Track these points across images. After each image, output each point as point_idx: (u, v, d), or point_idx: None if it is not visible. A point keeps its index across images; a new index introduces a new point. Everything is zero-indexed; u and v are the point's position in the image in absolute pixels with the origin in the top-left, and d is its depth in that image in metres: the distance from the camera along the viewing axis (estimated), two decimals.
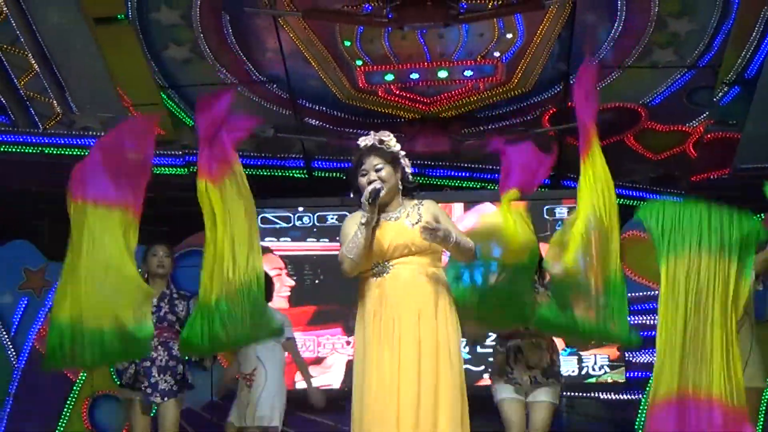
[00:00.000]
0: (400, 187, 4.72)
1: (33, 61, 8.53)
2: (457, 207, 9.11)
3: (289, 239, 9.37)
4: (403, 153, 4.78)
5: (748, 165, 9.13)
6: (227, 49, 8.86)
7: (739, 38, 8.46)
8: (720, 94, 8.91)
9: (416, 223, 4.60)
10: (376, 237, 4.58)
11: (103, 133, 8.94)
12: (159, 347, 6.31)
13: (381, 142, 4.72)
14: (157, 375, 6.30)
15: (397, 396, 4.42)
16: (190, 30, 8.65)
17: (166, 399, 6.33)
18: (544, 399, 5.97)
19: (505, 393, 5.95)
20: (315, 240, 9.28)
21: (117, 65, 8.57)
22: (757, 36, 8.43)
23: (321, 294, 9.18)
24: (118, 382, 6.57)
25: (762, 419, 8.13)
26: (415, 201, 4.73)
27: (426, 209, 4.67)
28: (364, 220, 4.52)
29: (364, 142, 4.76)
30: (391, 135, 4.76)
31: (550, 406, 5.97)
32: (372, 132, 4.78)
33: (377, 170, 4.64)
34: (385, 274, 4.58)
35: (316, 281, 9.29)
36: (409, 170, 4.80)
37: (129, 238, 5.15)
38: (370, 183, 4.62)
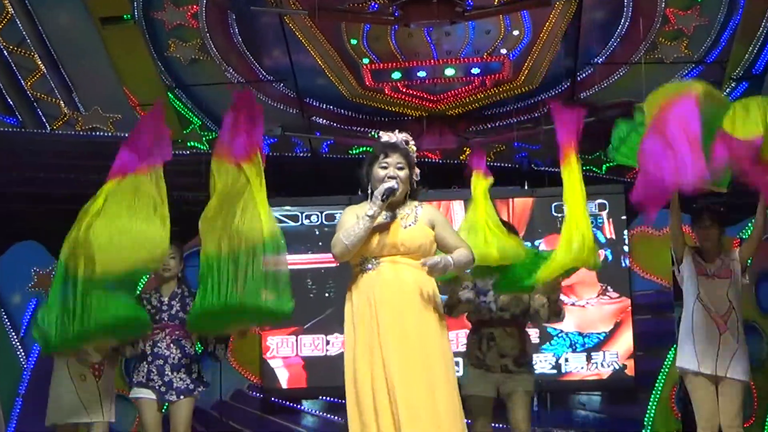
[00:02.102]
0: (408, 191, 4.72)
1: (40, 62, 8.60)
2: (457, 204, 9.00)
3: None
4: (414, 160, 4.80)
5: None
6: (234, 48, 8.92)
7: (746, 34, 8.48)
8: (728, 89, 8.86)
9: (410, 225, 4.63)
10: (370, 233, 4.60)
11: (110, 134, 9.04)
12: (172, 345, 6.27)
13: (407, 142, 4.73)
14: (170, 373, 6.27)
15: (387, 392, 4.42)
16: (197, 29, 8.70)
17: (181, 397, 6.30)
18: (519, 389, 5.94)
19: (473, 389, 5.91)
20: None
21: (123, 65, 8.59)
22: (765, 31, 8.45)
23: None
24: (130, 380, 6.59)
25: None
26: (416, 203, 4.74)
27: (424, 214, 4.69)
28: (370, 213, 4.52)
29: (388, 137, 4.75)
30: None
31: (526, 396, 5.95)
32: (396, 130, 4.78)
33: (399, 168, 4.64)
34: (370, 271, 4.59)
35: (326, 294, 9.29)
36: (417, 177, 4.77)
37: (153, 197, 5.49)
38: (388, 177, 4.62)
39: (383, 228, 4.62)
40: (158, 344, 6.21)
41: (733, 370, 5.91)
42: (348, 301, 4.68)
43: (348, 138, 9.51)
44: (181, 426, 6.27)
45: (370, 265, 4.61)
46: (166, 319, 6.15)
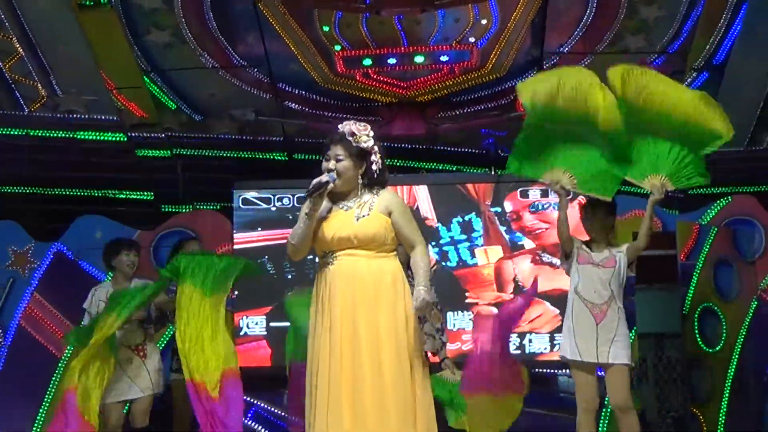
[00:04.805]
0: (361, 181, 4.69)
1: (18, 45, 8.64)
2: (422, 189, 9.20)
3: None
4: (375, 149, 4.72)
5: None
6: (209, 34, 8.96)
7: (707, 25, 8.64)
8: (689, 79, 9.02)
9: (364, 216, 4.62)
10: (324, 227, 4.64)
11: (86, 116, 9.13)
12: None
13: (352, 134, 4.69)
14: None
15: (341, 381, 4.46)
16: (172, 15, 8.74)
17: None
18: None
19: None
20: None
21: (100, 49, 8.69)
22: (725, 23, 8.61)
23: None
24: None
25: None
26: (375, 191, 4.71)
27: (380, 201, 4.67)
28: (306, 210, 4.58)
29: (340, 128, 4.75)
30: (369, 128, 4.74)
31: None
32: (353, 120, 4.78)
33: (338, 160, 4.64)
34: (330, 265, 4.62)
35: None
36: (376, 167, 4.71)
37: None
38: (327, 170, 4.63)
39: (337, 222, 4.64)
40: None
41: (614, 356, 6.01)
42: (313, 293, 4.72)
43: (320, 123, 9.60)
44: None
45: (330, 260, 4.64)
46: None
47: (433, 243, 9.18)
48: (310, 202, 4.58)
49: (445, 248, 9.28)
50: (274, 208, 9.39)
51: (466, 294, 9.15)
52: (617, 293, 6.07)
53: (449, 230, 9.31)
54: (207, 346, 6.25)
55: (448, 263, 9.26)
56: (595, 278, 6.08)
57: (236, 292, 8.61)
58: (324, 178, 4.60)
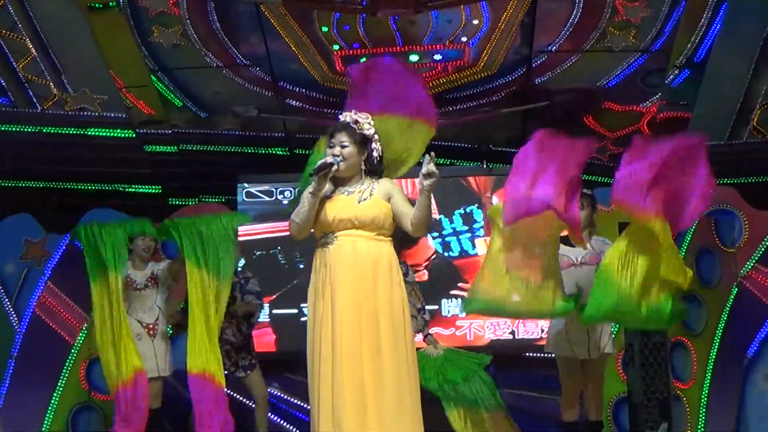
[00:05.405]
0: (363, 167, 4.85)
1: (31, 46, 8.79)
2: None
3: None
4: (375, 137, 4.86)
5: None
6: (213, 34, 9.06)
7: (688, 24, 8.77)
8: (671, 76, 9.18)
9: (365, 200, 4.76)
10: (326, 209, 4.75)
11: (97, 114, 9.31)
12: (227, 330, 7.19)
13: (355, 122, 4.83)
14: (234, 354, 7.28)
15: (341, 360, 4.55)
16: (178, 16, 8.86)
17: (248, 372, 7.38)
18: None
19: None
20: None
21: (109, 50, 8.84)
22: (705, 22, 8.76)
23: None
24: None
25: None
26: (374, 179, 4.85)
27: (379, 188, 4.80)
28: (311, 190, 4.69)
29: (342, 118, 4.88)
30: (369, 117, 4.87)
31: None
32: (353, 110, 4.89)
33: (343, 146, 4.77)
34: (329, 245, 4.74)
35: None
36: (377, 153, 4.86)
37: None
38: (333, 155, 4.76)
39: (339, 204, 4.77)
40: (225, 332, 7.11)
41: (603, 346, 6.31)
42: (312, 274, 4.82)
43: (320, 119, 9.52)
44: (260, 392, 7.49)
45: (329, 240, 4.75)
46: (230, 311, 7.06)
47: (436, 234, 9.32)
48: (314, 182, 4.67)
49: (447, 239, 9.42)
50: (276, 201, 9.54)
51: (463, 283, 9.26)
52: None
53: (451, 222, 9.47)
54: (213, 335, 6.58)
55: (450, 253, 9.39)
56: (581, 278, 6.12)
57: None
58: (329, 159, 4.72)
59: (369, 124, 4.88)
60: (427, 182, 4.55)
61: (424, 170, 4.54)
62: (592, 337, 6.33)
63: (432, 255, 9.38)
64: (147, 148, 9.96)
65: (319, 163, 4.73)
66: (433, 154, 4.52)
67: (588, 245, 6.34)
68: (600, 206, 6.77)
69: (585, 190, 6.01)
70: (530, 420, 8.49)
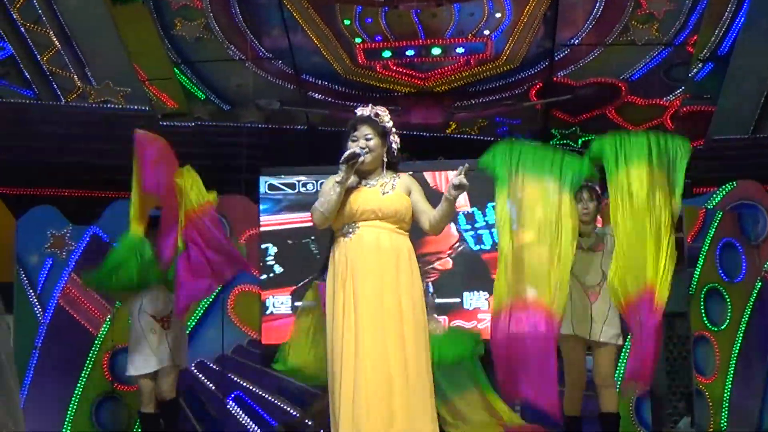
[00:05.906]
0: (385, 160, 4.88)
1: (54, 39, 8.89)
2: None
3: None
4: (394, 130, 4.90)
5: (721, 136, 9.39)
6: (235, 27, 9.13)
7: (712, 17, 8.79)
8: (695, 70, 9.19)
9: (388, 192, 4.79)
10: (350, 200, 4.76)
11: (120, 106, 9.37)
12: None
13: (376, 115, 4.85)
14: None
15: (365, 350, 4.55)
16: (201, 9, 8.94)
17: None
18: None
19: None
20: None
21: (133, 42, 8.93)
22: (730, 15, 8.79)
23: None
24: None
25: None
26: (394, 173, 4.88)
27: (401, 182, 4.85)
28: (338, 179, 4.68)
29: (361, 112, 4.89)
30: (387, 111, 4.90)
31: None
32: (371, 105, 4.92)
33: (367, 139, 4.78)
34: (351, 235, 4.75)
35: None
36: (396, 146, 4.91)
37: None
38: (359, 147, 4.76)
39: (363, 195, 4.79)
40: None
41: (606, 335, 6.17)
42: (330, 265, 4.82)
43: (342, 111, 9.74)
44: None
45: (350, 230, 4.76)
46: None
47: (469, 227, 9.25)
48: (342, 171, 4.69)
49: (479, 232, 9.26)
50: (298, 193, 9.49)
51: (488, 276, 9.03)
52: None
53: (484, 215, 9.29)
54: None
55: (483, 246, 9.22)
56: (586, 262, 6.19)
57: (263, 276, 8.86)
58: (357, 149, 4.75)
59: (387, 116, 4.93)
60: (455, 192, 4.63)
61: (455, 181, 4.60)
62: (595, 316, 6.25)
63: (456, 243, 9.34)
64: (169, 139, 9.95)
65: (348, 152, 4.74)
66: (467, 165, 4.58)
67: (594, 233, 6.36)
68: None
69: (590, 184, 6.16)
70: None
